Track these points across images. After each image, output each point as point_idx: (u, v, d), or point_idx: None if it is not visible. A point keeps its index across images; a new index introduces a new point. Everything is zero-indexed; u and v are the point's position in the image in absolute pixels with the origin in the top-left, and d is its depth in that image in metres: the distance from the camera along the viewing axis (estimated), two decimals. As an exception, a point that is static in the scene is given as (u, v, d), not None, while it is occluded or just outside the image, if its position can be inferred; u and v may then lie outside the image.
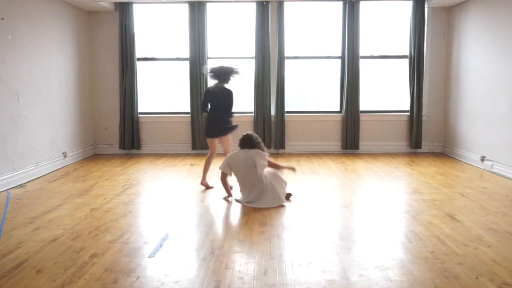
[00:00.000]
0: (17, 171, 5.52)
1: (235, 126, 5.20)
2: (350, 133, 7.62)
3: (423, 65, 7.46)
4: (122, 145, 7.73)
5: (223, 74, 5.08)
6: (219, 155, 5.71)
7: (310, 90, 8.27)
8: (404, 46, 7.63)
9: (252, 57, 7.53)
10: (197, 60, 7.44)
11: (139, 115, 7.74)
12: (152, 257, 3.16)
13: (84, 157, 7.44)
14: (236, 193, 4.79)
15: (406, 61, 7.59)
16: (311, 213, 4.21)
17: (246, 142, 4.58)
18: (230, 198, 4.71)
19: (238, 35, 7.75)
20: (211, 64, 7.57)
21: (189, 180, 5.59)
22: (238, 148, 4.64)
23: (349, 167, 6.51)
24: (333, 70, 7.77)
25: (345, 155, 7.56)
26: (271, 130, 7.61)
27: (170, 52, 7.80)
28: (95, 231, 3.72)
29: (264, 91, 7.50)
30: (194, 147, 7.62)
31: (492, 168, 6.04)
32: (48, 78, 6.32)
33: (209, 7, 7.48)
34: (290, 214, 4.21)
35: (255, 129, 7.56)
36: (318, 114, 7.81)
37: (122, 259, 3.13)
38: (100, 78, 7.79)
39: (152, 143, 7.81)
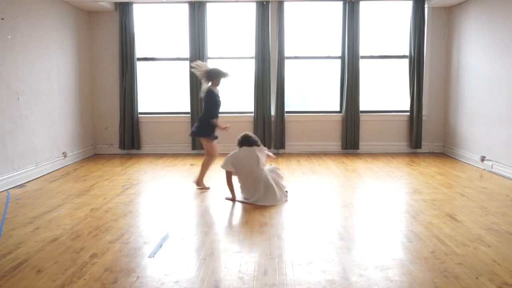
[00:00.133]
0: (17, 171, 5.52)
1: (214, 136, 5.14)
2: (350, 133, 7.62)
3: (423, 65, 7.46)
4: (122, 145, 7.74)
5: (214, 76, 5.01)
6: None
7: (310, 90, 8.27)
8: (404, 46, 7.63)
9: (252, 57, 7.53)
10: (197, 60, 7.42)
11: (139, 115, 7.74)
12: (152, 257, 3.16)
13: (84, 157, 7.44)
14: (226, 194, 4.80)
15: (406, 61, 7.59)
16: (311, 213, 4.21)
17: (246, 141, 4.67)
18: (234, 200, 4.68)
19: (238, 35, 7.75)
20: (208, 64, 7.60)
21: (189, 180, 5.59)
22: (238, 147, 4.69)
23: (349, 167, 6.51)
24: (333, 70, 7.77)
25: (345, 155, 7.56)
26: (271, 130, 7.61)
27: (170, 52, 7.80)
28: (95, 231, 3.72)
29: (264, 91, 7.50)
30: (194, 147, 7.62)
31: (492, 168, 6.04)
32: (48, 78, 6.32)
33: (209, 7, 7.49)
34: (290, 214, 4.21)
35: (255, 129, 7.57)
36: (318, 114, 7.81)
37: (122, 259, 3.13)
38: (100, 78, 7.79)
39: (152, 143, 7.81)
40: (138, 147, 7.75)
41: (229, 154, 4.69)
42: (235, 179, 4.70)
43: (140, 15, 7.68)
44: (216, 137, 5.19)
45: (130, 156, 7.59)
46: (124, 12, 7.44)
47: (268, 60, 7.46)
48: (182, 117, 7.72)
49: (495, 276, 2.81)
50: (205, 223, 4.01)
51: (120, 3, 7.42)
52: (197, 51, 7.44)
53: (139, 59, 7.71)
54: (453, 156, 7.27)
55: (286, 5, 7.45)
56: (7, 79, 5.34)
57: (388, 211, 4.24)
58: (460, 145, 7.08)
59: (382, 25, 7.73)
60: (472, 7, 6.67)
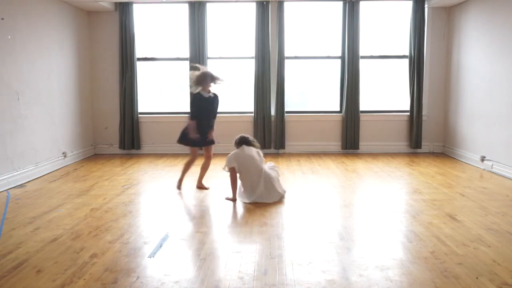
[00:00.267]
0: (17, 171, 5.52)
1: (203, 140, 5.07)
2: (350, 133, 7.62)
3: (423, 65, 7.46)
4: (122, 145, 7.74)
5: (201, 80, 4.92)
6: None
7: (310, 90, 8.27)
8: (404, 46, 7.63)
9: (252, 57, 7.53)
10: (197, 60, 7.43)
11: (139, 115, 7.74)
12: (152, 257, 3.16)
13: (84, 157, 7.44)
14: (226, 194, 4.81)
15: (406, 61, 7.59)
16: (311, 213, 4.21)
17: (244, 140, 4.79)
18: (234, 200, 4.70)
19: (238, 35, 7.75)
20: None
21: (189, 180, 5.59)
22: (235, 148, 4.76)
23: (349, 167, 6.51)
24: (333, 70, 7.77)
25: (345, 155, 7.56)
26: (271, 130, 7.61)
27: (170, 52, 7.80)
28: (95, 231, 3.72)
29: (264, 91, 7.50)
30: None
31: (492, 168, 6.04)
32: (48, 78, 6.32)
33: (209, 7, 7.48)
34: (290, 214, 4.21)
35: (255, 129, 7.57)
36: (318, 114, 7.81)
37: (122, 259, 3.13)
38: (100, 78, 7.79)
39: (152, 143, 7.81)
40: (138, 147, 7.75)
41: (229, 154, 4.71)
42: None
43: (140, 15, 7.68)
44: (209, 142, 5.09)
45: (130, 156, 7.59)
46: (124, 12, 7.44)
47: (268, 60, 7.45)
48: (182, 117, 7.70)
49: (495, 276, 2.81)
50: (205, 223, 4.01)
51: (120, 3, 7.42)
52: (197, 51, 7.44)
53: (139, 59, 7.71)
54: (453, 156, 7.27)
55: (286, 5, 7.45)
56: (7, 79, 5.34)
57: (388, 211, 4.24)
58: (460, 145, 7.08)
59: (382, 25, 7.73)
60: (472, 7, 6.67)
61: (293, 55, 7.71)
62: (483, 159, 6.27)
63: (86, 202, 4.66)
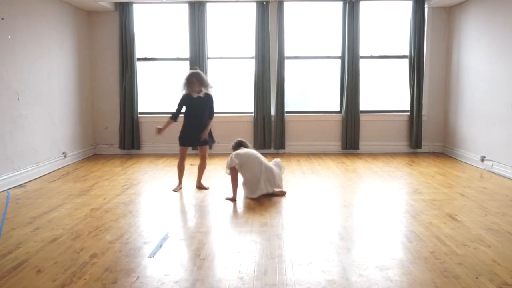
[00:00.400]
0: (17, 171, 5.52)
1: (186, 140, 5.10)
2: (350, 133, 7.62)
3: (423, 65, 7.46)
4: (122, 145, 7.74)
5: (185, 83, 4.99)
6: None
7: (310, 90, 8.27)
8: (404, 46, 7.63)
9: (252, 57, 7.53)
10: (197, 60, 7.44)
11: (139, 115, 7.74)
12: (152, 257, 3.16)
13: (84, 157, 7.44)
14: (226, 194, 4.81)
15: (406, 61, 7.59)
16: (311, 213, 4.22)
17: (241, 143, 5.01)
18: (233, 199, 4.72)
19: (238, 35, 7.75)
20: (210, 65, 7.60)
21: (189, 180, 5.59)
22: (232, 151, 4.93)
23: (349, 167, 6.51)
24: (333, 70, 7.77)
25: (345, 155, 7.56)
26: (271, 130, 7.61)
27: (170, 52, 7.80)
28: (95, 231, 3.72)
29: (264, 91, 7.50)
30: (194, 147, 7.61)
31: (492, 168, 6.04)
32: (48, 78, 6.33)
33: (209, 7, 7.49)
34: (290, 214, 4.21)
35: (255, 129, 7.57)
36: (318, 114, 7.81)
37: (122, 259, 3.13)
38: (100, 78, 7.80)
39: (152, 143, 7.81)
40: (138, 147, 7.75)
41: (229, 157, 4.75)
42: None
43: (140, 15, 7.68)
44: (202, 143, 5.06)
45: (130, 156, 7.59)
46: (124, 12, 7.44)
47: (268, 60, 7.45)
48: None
49: (495, 276, 2.81)
50: (205, 223, 4.01)
51: (120, 3, 7.42)
52: (197, 51, 7.44)
53: (139, 59, 7.71)
54: (453, 156, 7.27)
55: (286, 5, 7.45)
56: (7, 79, 5.34)
57: (388, 211, 4.24)
58: (460, 145, 7.08)
59: (382, 25, 7.73)
60: (472, 7, 6.67)
61: (293, 55, 7.71)
62: (483, 159, 6.27)
63: (86, 202, 4.66)
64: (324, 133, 7.78)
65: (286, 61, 7.56)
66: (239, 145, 5.00)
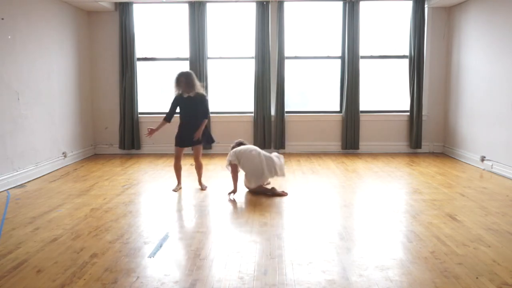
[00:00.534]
0: (17, 171, 5.52)
1: (182, 141, 5.09)
2: (350, 133, 7.62)
3: (423, 65, 7.46)
4: (122, 145, 7.74)
5: (176, 81, 5.00)
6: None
7: (310, 90, 8.27)
8: (404, 46, 7.63)
9: (252, 57, 7.53)
10: (197, 60, 7.44)
11: (139, 115, 7.74)
12: (152, 257, 3.16)
13: (84, 157, 7.44)
14: (226, 194, 4.83)
15: (406, 61, 7.59)
16: (311, 213, 4.22)
17: (241, 144, 5.13)
18: (231, 196, 4.85)
19: (238, 35, 7.75)
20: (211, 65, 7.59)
21: (189, 180, 5.59)
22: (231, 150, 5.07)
23: (349, 167, 6.51)
24: (333, 70, 7.77)
25: (345, 155, 7.56)
26: (271, 130, 7.61)
27: (170, 52, 7.80)
28: (95, 231, 3.72)
29: (264, 91, 7.50)
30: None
31: (492, 168, 6.04)
32: (48, 78, 6.33)
33: (209, 7, 7.49)
34: (290, 214, 4.21)
35: (255, 129, 7.57)
36: (318, 114, 7.81)
37: (122, 259, 3.13)
38: (100, 78, 7.80)
39: (152, 143, 7.81)
40: (138, 147, 7.75)
41: (230, 152, 4.94)
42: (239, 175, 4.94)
43: (140, 15, 7.68)
44: (195, 143, 5.04)
45: (130, 156, 7.59)
46: (124, 12, 7.44)
47: (268, 60, 7.45)
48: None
49: (495, 276, 2.81)
50: (205, 223, 4.01)
51: (120, 3, 7.42)
52: (197, 51, 7.44)
53: (139, 59, 7.71)
54: (453, 156, 7.27)
55: (286, 5, 7.45)
56: (7, 79, 5.34)
57: (388, 211, 4.24)
58: (460, 145, 7.08)
59: (382, 25, 7.73)
60: (472, 7, 6.67)
61: (293, 55, 7.71)
62: (483, 159, 6.27)
63: (86, 202, 4.66)
64: (324, 133, 7.78)
65: (286, 61, 7.56)
66: (238, 144, 5.14)
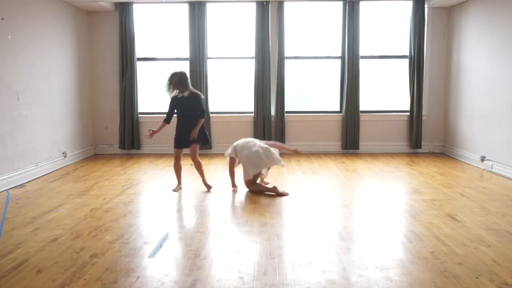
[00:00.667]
0: (17, 171, 5.52)
1: (180, 141, 5.09)
2: (350, 133, 7.62)
3: (423, 65, 7.46)
4: (122, 145, 7.74)
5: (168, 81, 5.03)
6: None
7: (310, 90, 8.27)
8: (404, 46, 7.63)
9: (252, 57, 7.53)
10: (197, 60, 7.44)
11: (139, 115, 7.74)
12: (152, 257, 3.16)
13: (84, 157, 7.44)
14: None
15: (406, 61, 7.59)
16: (311, 213, 4.22)
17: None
18: (235, 189, 5.13)
19: (238, 35, 7.75)
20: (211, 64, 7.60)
21: (189, 180, 5.59)
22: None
23: (349, 167, 6.51)
24: (333, 70, 7.77)
25: (345, 155, 7.56)
26: (271, 130, 7.61)
27: (170, 52, 7.80)
28: (95, 231, 3.72)
29: (264, 91, 7.50)
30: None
31: (492, 168, 6.04)
32: (48, 78, 6.32)
33: (209, 7, 7.48)
34: (290, 214, 4.21)
35: (255, 129, 7.57)
36: (318, 114, 7.81)
37: (122, 259, 3.13)
38: (100, 78, 7.80)
39: (152, 143, 7.80)
40: (138, 147, 7.75)
41: (232, 146, 5.12)
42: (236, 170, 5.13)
43: (140, 15, 7.68)
44: (191, 143, 5.01)
45: (130, 156, 7.59)
46: (124, 12, 7.44)
47: (268, 60, 7.45)
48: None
49: (495, 276, 2.81)
50: (205, 223, 4.02)
51: (120, 3, 7.42)
52: (197, 51, 7.44)
53: (139, 59, 7.71)
54: (453, 156, 7.27)
55: (286, 5, 7.45)
56: (7, 79, 5.34)
57: (388, 211, 4.24)
58: (460, 145, 7.08)
59: (382, 25, 7.73)
60: (472, 7, 6.67)
61: (293, 55, 7.71)
62: (483, 159, 6.27)
63: (86, 202, 4.66)
64: (324, 133, 7.78)
65: (286, 61, 7.55)
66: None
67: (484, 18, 6.34)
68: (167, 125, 5.12)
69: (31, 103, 5.85)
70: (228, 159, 5.15)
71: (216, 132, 7.75)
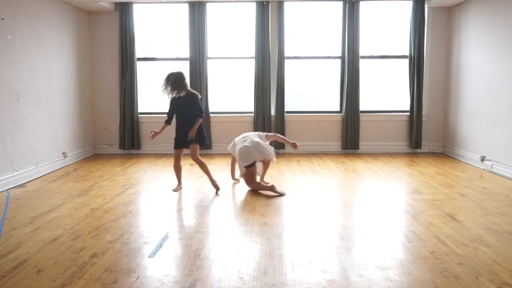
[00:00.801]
0: (17, 171, 5.52)
1: (180, 142, 5.09)
2: (350, 133, 7.62)
3: (423, 65, 7.46)
4: (122, 145, 7.74)
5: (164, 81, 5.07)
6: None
7: (310, 90, 8.27)
8: (404, 46, 7.63)
9: (252, 57, 7.53)
10: (197, 60, 7.44)
11: (139, 115, 7.74)
12: (152, 257, 3.16)
13: (84, 157, 7.44)
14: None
15: (406, 61, 7.59)
16: (311, 213, 4.22)
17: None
18: (236, 182, 5.47)
19: (238, 35, 7.75)
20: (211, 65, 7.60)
21: (189, 180, 5.60)
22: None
23: (349, 167, 6.51)
24: (333, 70, 7.77)
25: (345, 155, 7.56)
26: (271, 130, 7.60)
27: (170, 52, 7.80)
28: (95, 231, 3.72)
29: (264, 91, 7.50)
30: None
31: (492, 168, 6.04)
32: (48, 78, 6.32)
33: (209, 7, 7.48)
34: (290, 214, 4.21)
35: (255, 129, 7.57)
36: (318, 114, 7.81)
37: (122, 259, 3.13)
38: (100, 78, 7.80)
39: (152, 143, 7.79)
40: (138, 147, 7.75)
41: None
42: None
43: (140, 15, 7.68)
44: (189, 143, 5.00)
45: (130, 156, 7.59)
46: (124, 12, 7.44)
47: (268, 60, 7.45)
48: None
49: (495, 276, 2.81)
50: (205, 223, 4.02)
51: (120, 3, 7.42)
52: (197, 51, 7.44)
53: (139, 59, 7.71)
54: (453, 156, 7.27)
55: (286, 5, 7.45)
56: (7, 79, 5.34)
57: (388, 211, 4.24)
58: (460, 145, 7.08)
59: (382, 25, 7.73)
60: (472, 7, 6.67)
61: (293, 55, 7.71)
62: (483, 159, 6.27)
63: (86, 202, 4.66)
64: (324, 133, 7.78)
65: (286, 61, 7.56)
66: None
67: (484, 18, 6.34)
68: (168, 126, 5.12)
69: (31, 103, 5.85)
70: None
71: (216, 132, 7.75)
